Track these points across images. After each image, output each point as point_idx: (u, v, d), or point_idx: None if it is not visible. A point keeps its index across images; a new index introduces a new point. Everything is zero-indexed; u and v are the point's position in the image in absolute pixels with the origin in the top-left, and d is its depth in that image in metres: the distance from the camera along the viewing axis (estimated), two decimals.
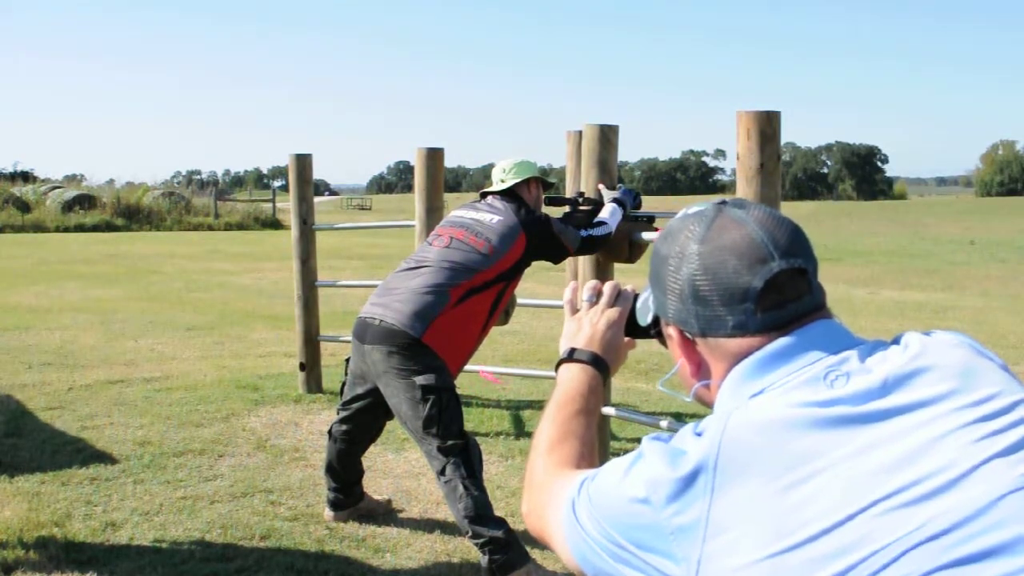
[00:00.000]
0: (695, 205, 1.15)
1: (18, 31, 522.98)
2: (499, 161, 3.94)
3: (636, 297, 1.33)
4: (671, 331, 1.15)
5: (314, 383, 6.35)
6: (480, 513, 3.30)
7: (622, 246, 4.06)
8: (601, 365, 1.30)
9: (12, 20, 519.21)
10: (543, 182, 3.95)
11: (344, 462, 3.90)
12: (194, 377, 6.77)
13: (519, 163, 3.88)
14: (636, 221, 4.12)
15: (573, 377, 1.29)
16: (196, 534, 3.74)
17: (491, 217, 3.64)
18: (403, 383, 3.39)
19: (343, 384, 3.87)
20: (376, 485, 4.38)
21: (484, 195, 3.87)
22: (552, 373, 4.80)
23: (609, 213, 3.95)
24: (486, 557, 3.28)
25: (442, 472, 3.37)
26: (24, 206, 28.83)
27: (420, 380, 3.36)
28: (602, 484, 1.05)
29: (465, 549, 3.63)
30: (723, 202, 1.12)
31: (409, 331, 3.38)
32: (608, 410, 4.26)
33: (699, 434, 1.01)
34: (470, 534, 3.32)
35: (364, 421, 3.80)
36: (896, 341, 1.07)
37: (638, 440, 4.68)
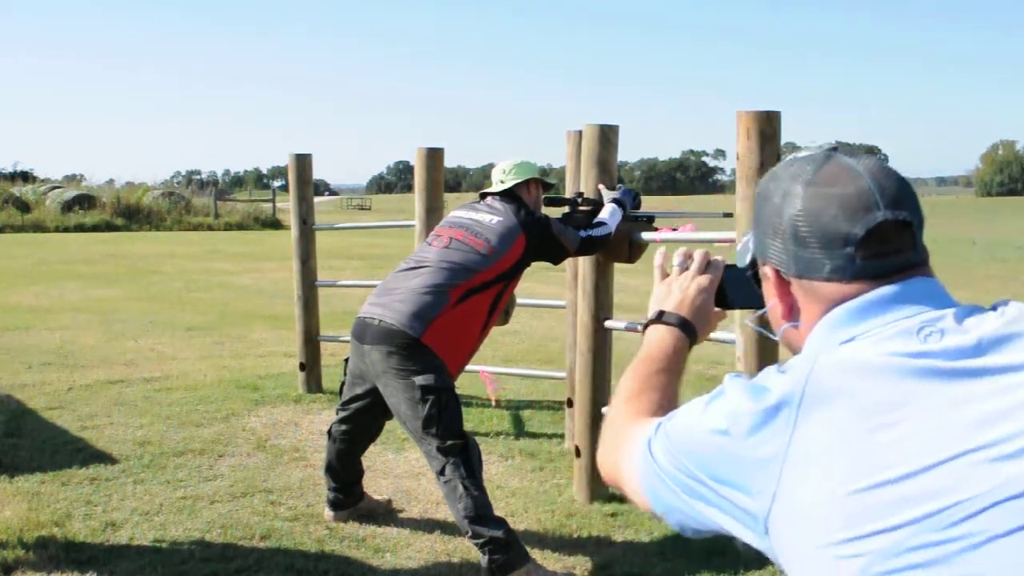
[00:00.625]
0: (803, 151, 1.15)
1: (18, 31, 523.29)
2: (499, 162, 3.94)
3: (726, 267, 1.34)
4: (767, 271, 1.14)
5: (314, 383, 6.35)
6: (480, 513, 3.29)
7: (622, 246, 4.05)
8: (689, 329, 1.31)
9: (12, 20, 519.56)
10: (543, 183, 3.95)
11: (344, 462, 3.90)
12: (194, 377, 6.77)
13: (519, 164, 3.88)
14: (636, 221, 4.12)
15: (660, 338, 1.30)
16: (196, 534, 3.74)
17: (490, 218, 3.65)
18: (402, 383, 3.39)
19: (342, 384, 3.87)
20: (376, 485, 4.38)
21: (484, 196, 3.89)
22: (552, 373, 4.83)
23: (609, 213, 3.95)
24: (486, 557, 3.28)
25: (442, 472, 3.36)
26: (24, 206, 28.82)
27: (419, 380, 3.36)
28: (681, 420, 1.05)
29: (465, 549, 3.63)
30: (834, 148, 1.12)
31: (408, 331, 3.38)
32: (608, 410, 4.25)
33: (783, 372, 1.01)
34: (470, 534, 3.31)
35: (363, 421, 3.80)
36: (994, 307, 1.06)
37: None
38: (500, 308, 3.67)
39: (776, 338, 1.17)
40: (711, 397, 1.03)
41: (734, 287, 1.32)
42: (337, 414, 3.86)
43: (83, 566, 3.39)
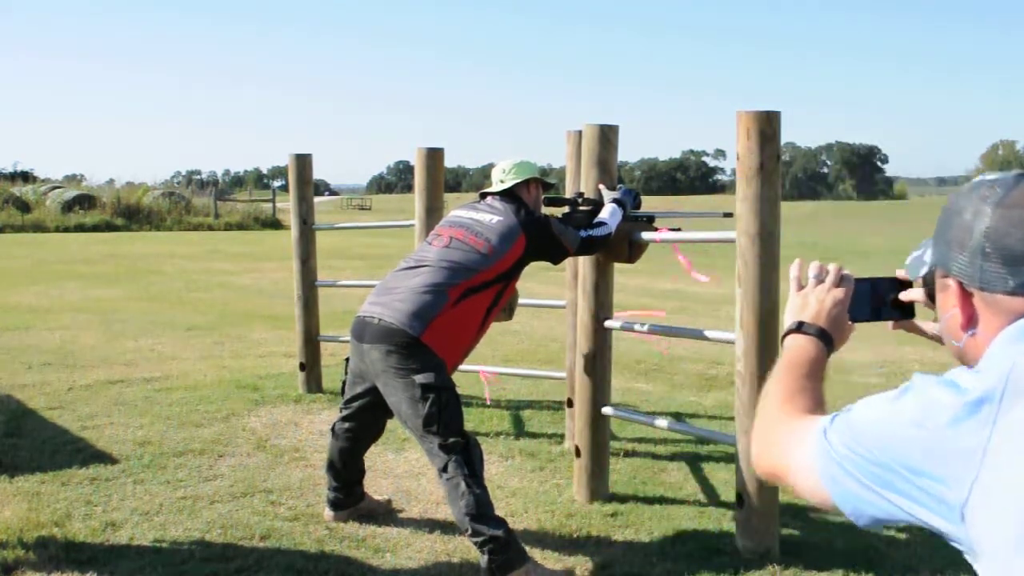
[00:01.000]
0: (991, 173, 1.21)
1: (18, 31, 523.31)
2: (499, 161, 3.95)
3: (856, 281, 1.42)
4: (950, 282, 1.20)
5: (314, 383, 6.35)
6: (481, 512, 3.29)
7: (622, 246, 4.05)
8: (827, 339, 1.38)
9: (12, 20, 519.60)
10: (543, 183, 3.96)
11: (346, 460, 3.90)
12: (194, 377, 6.77)
13: (519, 164, 3.89)
14: (636, 221, 4.12)
15: (801, 346, 1.37)
16: (196, 534, 3.74)
17: (491, 217, 3.65)
18: (402, 382, 3.40)
19: (343, 383, 3.87)
20: (376, 485, 4.38)
21: (484, 195, 3.89)
22: (552, 373, 4.81)
23: (609, 213, 3.96)
24: (485, 556, 3.28)
25: (444, 469, 3.37)
26: (24, 206, 28.82)
27: (419, 379, 3.37)
28: (866, 413, 1.11)
29: (465, 549, 3.63)
30: (1022, 175, 1.17)
31: (408, 330, 3.38)
32: (608, 410, 4.26)
33: (978, 372, 1.07)
34: (470, 532, 3.31)
35: (365, 420, 3.80)
36: None
37: (638, 440, 4.64)
38: (499, 307, 3.68)
39: (958, 345, 1.24)
40: (900, 392, 1.09)
41: (863, 301, 1.42)
42: (340, 412, 3.87)
43: (83, 566, 3.39)
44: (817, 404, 1.28)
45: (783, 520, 3.77)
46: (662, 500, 4.22)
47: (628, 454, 4.94)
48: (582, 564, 3.50)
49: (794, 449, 1.18)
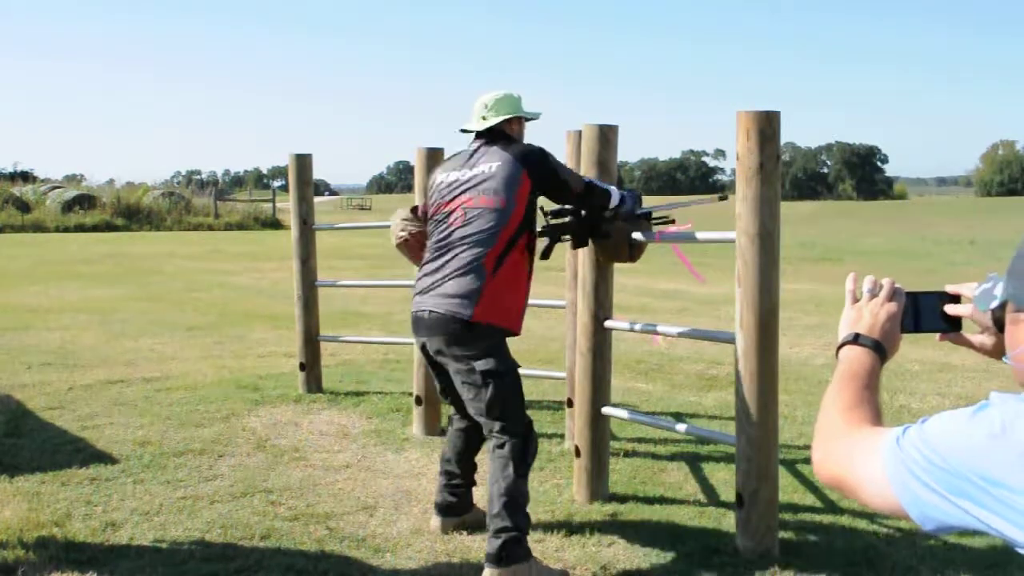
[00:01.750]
0: None
1: (18, 31, 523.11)
2: (481, 95, 3.75)
3: (907, 296, 1.48)
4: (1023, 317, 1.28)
5: (314, 383, 6.35)
6: (517, 501, 3.31)
7: (623, 246, 4.03)
8: (881, 351, 1.43)
9: (12, 20, 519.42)
10: (526, 118, 3.78)
11: (460, 457, 3.83)
12: (194, 377, 6.77)
13: (500, 99, 3.68)
14: (639, 218, 4.04)
15: (858, 358, 1.43)
16: (196, 534, 3.74)
17: (489, 167, 3.51)
18: (464, 368, 3.40)
19: (440, 388, 3.74)
20: (376, 485, 4.38)
21: (464, 131, 3.74)
22: (552, 373, 4.81)
23: (615, 190, 3.83)
24: (499, 542, 3.25)
25: (500, 447, 3.38)
26: (24, 206, 28.84)
27: (479, 365, 3.36)
28: (942, 425, 1.14)
29: (465, 549, 3.64)
30: None
31: (459, 315, 3.36)
32: (608, 410, 4.26)
33: None
34: (496, 513, 3.28)
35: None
36: None
37: (638, 440, 4.64)
38: (535, 253, 3.64)
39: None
40: (977, 408, 1.13)
41: (913, 313, 1.48)
42: (452, 413, 3.85)
43: (83, 566, 3.39)
44: (878, 415, 1.34)
45: (783, 520, 3.77)
46: (662, 500, 4.22)
47: (628, 454, 4.94)
48: (582, 564, 3.50)
49: (862, 459, 1.23)
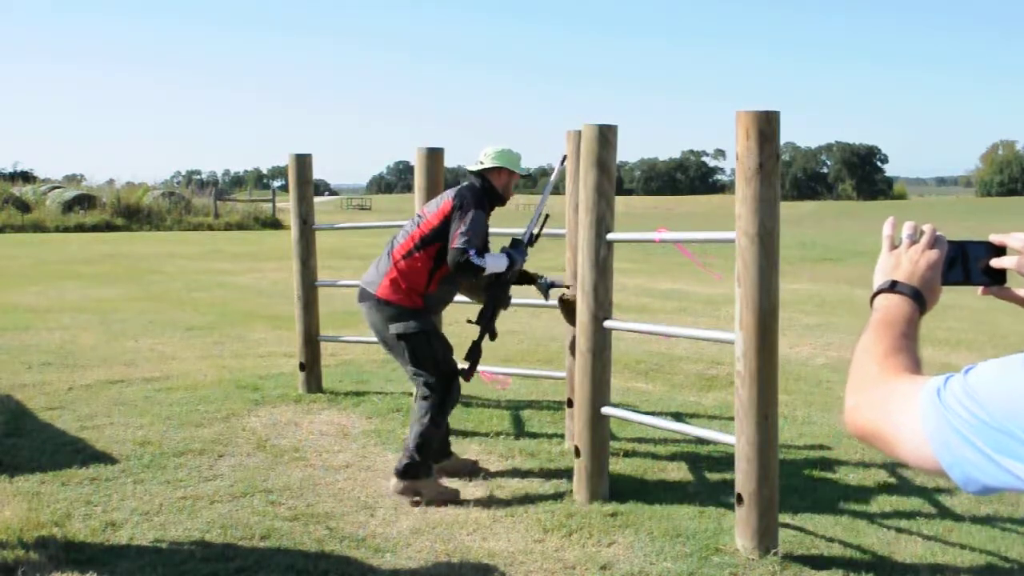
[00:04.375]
0: None
1: (18, 31, 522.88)
2: (489, 146, 4.49)
3: (949, 243, 1.39)
4: None
5: (314, 383, 6.35)
6: (427, 441, 4.20)
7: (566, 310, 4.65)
8: (920, 300, 1.34)
9: (13, 20, 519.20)
10: (516, 174, 4.45)
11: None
12: (194, 377, 6.77)
13: (500, 152, 4.43)
14: (526, 276, 4.64)
15: (896, 305, 1.33)
16: (196, 534, 3.74)
17: (447, 192, 4.40)
18: (387, 334, 4.27)
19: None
20: (376, 485, 4.38)
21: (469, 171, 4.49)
22: (552, 373, 4.82)
23: (495, 256, 4.29)
24: (401, 465, 4.14)
25: (423, 397, 4.25)
26: (24, 206, 28.81)
27: (393, 328, 4.23)
28: (987, 376, 1.05)
29: (465, 549, 3.64)
30: None
31: (372, 290, 4.29)
32: (608, 410, 4.26)
33: None
34: (409, 447, 4.17)
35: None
36: None
37: (638, 440, 4.65)
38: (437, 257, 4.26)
39: None
40: (1022, 360, 1.03)
41: (955, 264, 1.39)
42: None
43: (83, 566, 3.38)
44: (916, 364, 1.23)
45: (783, 520, 3.77)
46: (662, 500, 4.22)
47: (628, 454, 4.94)
48: (582, 564, 3.50)
49: (899, 410, 1.12)
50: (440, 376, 4.24)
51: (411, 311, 4.25)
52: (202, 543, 3.65)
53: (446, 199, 4.31)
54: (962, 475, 1.04)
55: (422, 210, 4.48)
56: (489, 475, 4.56)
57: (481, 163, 4.41)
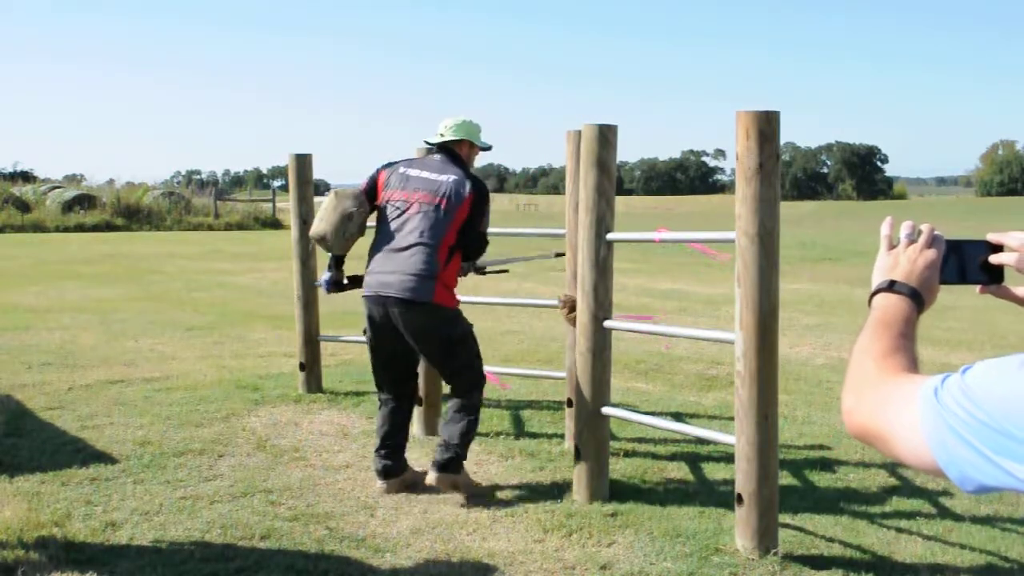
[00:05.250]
0: None
1: (18, 31, 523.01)
2: (446, 118, 4.46)
3: (947, 244, 1.39)
4: None
5: (314, 383, 6.35)
6: (472, 437, 4.29)
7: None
8: (918, 299, 1.34)
9: (13, 20, 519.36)
10: (475, 145, 4.48)
11: (396, 427, 4.43)
12: (194, 377, 6.77)
13: (461, 123, 4.42)
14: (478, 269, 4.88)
15: (894, 305, 1.34)
16: (196, 534, 3.74)
17: (448, 177, 4.24)
18: (435, 336, 4.20)
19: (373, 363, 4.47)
20: (376, 485, 4.38)
21: (428, 146, 4.56)
22: (552, 373, 4.83)
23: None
24: (444, 459, 4.13)
25: (467, 394, 4.29)
26: (24, 206, 28.80)
27: (454, 331, 4.21)
28: (985, 376, 1.05)
29: (465, 549, 3.64)
30: None
31: (424, 299, 4.09)
32: (608, 410, 4.26)
33: None
34: (452, 443, 4.16)
35: (402, 383, 4.47)
36: None
37: (638, 440, 4.66)
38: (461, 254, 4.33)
39: None
40: (1022, 360, 1.03)
41: (952, 263, 1.39)
42: (380, 387, 4.46)
43: (83, 566, 3.39)
44: (914, 363, 1.24)
45: (783, 520, 3.77)
46: (662, 500, 4.22)
47: (628, 454, 4.94)
48: (582, 564, 3.50)
49: (896, 409, 1.13)
50: (481, 373, 4.34)
51: (458, 311, 4.30)
52: (202, 543, 3.65)
53: (464, 191, 4.18)
54: (959, 474, 1.04)
55: (424, 196, 4.20)
56: (489, 475, 4.56)
57: (442, 135, 4.39)
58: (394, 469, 4.32)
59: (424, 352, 4.30)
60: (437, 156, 4.38)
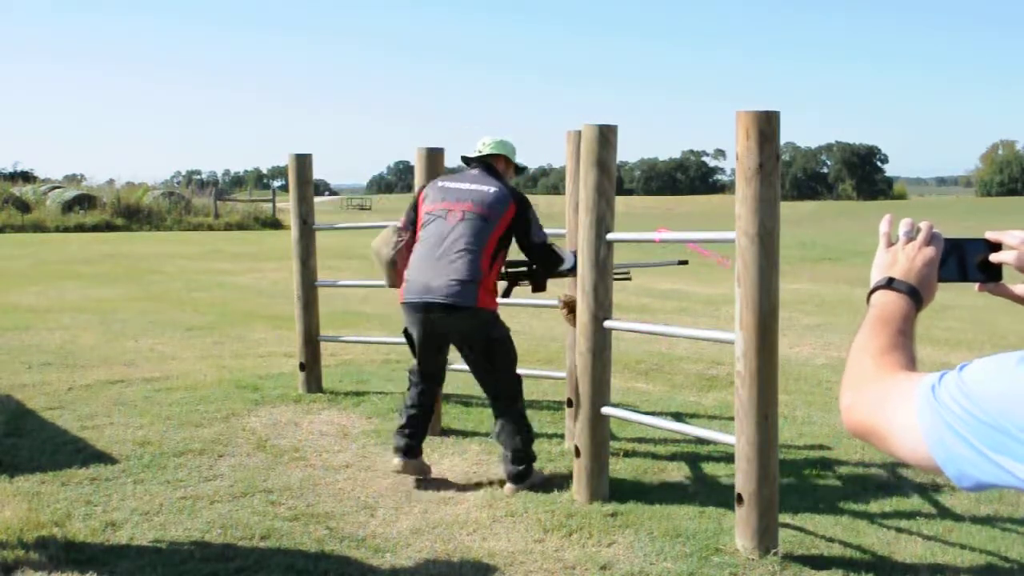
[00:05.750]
0: None
1: (18, 31, 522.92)
2: (487, 135, 4.66)
3: (945, 240, 1.39)
4: None
5: (314, 383, 6.34)
6: (530, 445, 4.42)
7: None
8: (917, 297, 1.34)
9: (12, 20, 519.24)
10: (514, 164, 4.65)
11: (425, 408, 4.55)
12: (194, 377, 6.77)
13: (499, 141, 4.61)
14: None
15: (892, 302, 1.34)
16: (196, 534, 3.74)
17: (488, 188, 4.38)
18: (479, 340, 4.32)
19: (413, 349, 4.51)
20: (376, 485, 4.38)
21: (466, 161, 4.64)
22: (552, 373, 4.83)
23: (569, 254, 4.52)
24: (515, 471, 4.29)
25: (511, 401, 4.43)
26: (24, 206, 28.81)
27: (495, 334, 4.34)
28: (982, 373, 1.05)
29: (465, 549, 3.64)
30: None
31: (469, 303, 4.19)
32: (608, 410, 4.26)
33: None
34: (518, 454, 4.31)
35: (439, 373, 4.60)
36: None
37: (638, 440, 4.66)
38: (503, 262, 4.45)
39: None
40: (1020, 357, 1.03)
41: (951, 261, 1.39)
42: (417, 369, 4.53)
43: (83, 566, 3.39)
44: (912, 361, 1.24)
45: (783, 520, 3.77)
46: (662, 500, 4.22)
47: (628, 454, 4.94)
48: (582, 564, 3.50)
49: (894, 406, 1.13)
50: (519, 378, 4.48)
51: (497, 313, 4.40)
52: (202, 543, 3.65)
53: (507, 204, 4.33)
54: (956, 471, 1.05)
55: (466, 205, 4.32)
56: (489, 475, 4.56)
57: (479, 151, 4.57)
58: (415, 450, 4.42)
59: (466, 355, 4.42)
60: (475, 170, 4.53)
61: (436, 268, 4.22)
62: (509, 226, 4.32)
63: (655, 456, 4.95)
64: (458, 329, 4.30)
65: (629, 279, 4.88)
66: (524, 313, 9.95)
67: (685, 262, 5.26)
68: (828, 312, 10.98)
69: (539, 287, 4.73)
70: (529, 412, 5.96)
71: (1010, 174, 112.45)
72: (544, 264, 4.55)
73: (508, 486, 4.32)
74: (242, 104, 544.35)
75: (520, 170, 4.76)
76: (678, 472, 4.71)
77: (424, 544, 3.70)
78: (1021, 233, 1.34)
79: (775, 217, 3.53)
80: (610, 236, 4.19)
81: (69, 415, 5.58)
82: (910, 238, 1.39)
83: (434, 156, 5.62)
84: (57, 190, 31.67)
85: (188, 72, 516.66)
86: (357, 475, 4.54)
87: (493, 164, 4.55)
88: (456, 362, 4.73)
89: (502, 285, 4.66)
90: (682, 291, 13.10)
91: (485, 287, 4.24)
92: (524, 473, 4.32)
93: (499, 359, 4.37)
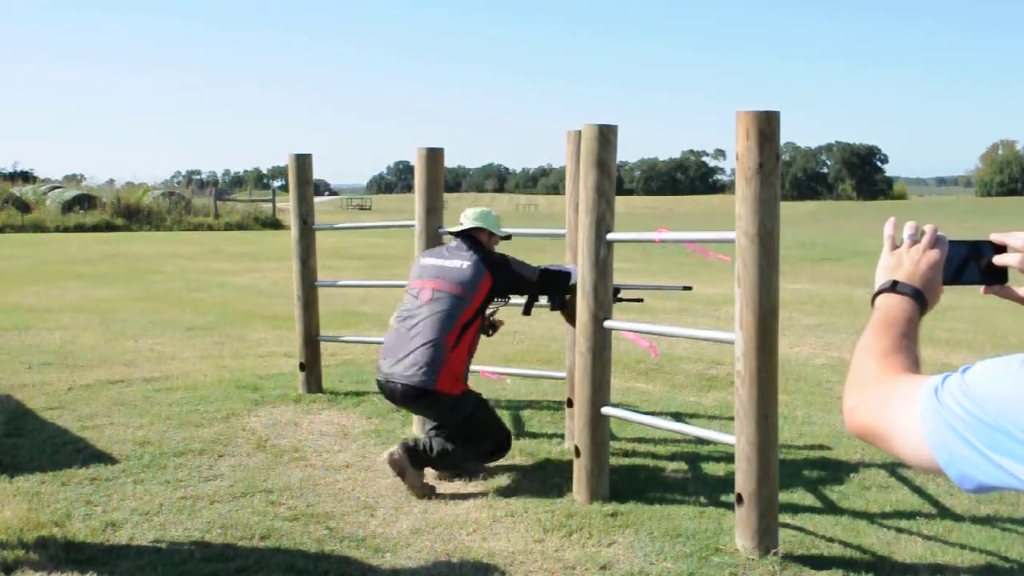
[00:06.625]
0: None
1: (18, 31, 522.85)
2: (468, 208, 4.83)
3: (950, 243, 1.39)
4: None
5: (314, 383, 6.35)
6: (451, 458, 4.36)
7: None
8: (921, 300, 1.34)
9: (13, 20, 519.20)
10: (493, 234, 4.72)
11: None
12: (194, 377, 6.77)
13: (481, 213, 4.74)
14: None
15: (896, 305, 1.34)
16: (196, 534, 3.74)
17: (460, 263, 4.48)
18: (444, 417, 4.38)
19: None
20: (376, 485, 4.38)
21: (447, 234, 4.79)
22: (552, 373, 4.83)
23: (573, 268, 4.52)
24: (419, 448, 4.25)
25: (478, 442, 4.43)
26: (24, 206, 28.79)
27: (461, 414, 4.35)
28: (985, 375, 1.05)
29: (465, 549, 3.64)
30: None
31: (426, 386, 4.25)
32: (608, 410, 4.26)
33: None
34: (440, 446, 4.30)
35: None
36: None
37: (638, 440, 4.66)
38: (477, 331, 4.51)
39: None
40: (1022, 359, 1.03)
41: (956, 263, 1.38)
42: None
43: (83, 566, 3.38)
44: (916, 363, 1.24)
45: (783, 520, 3.77)
46: (662, 500, 4.22)
47: (628, 454, 4.94)
48: (582, 564, 3.50)
49: (897, 408, 1.13)
50: (503, 436, 4.51)
51: (462, 394, 4.40)
52: (202, 543, 3.65)
53: (481, 275, 4.42)
54: (958, 473, 1.05)
55: (435, 283, 4.44)
56: (489, 475, 4.56)
57: (462, 224, 4.67)
58: (415, 452, 4.34)
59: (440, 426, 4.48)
60: (454, 242, 4.67)
61: (401, 349, 4.35)
62: (487, 295, 4.44)
63: (655, 456, 4.95)
64: (423, 412, 4.53)
65: (641, 300, 4.92)
66: None
67: (689, 287, 5.39)
68: (828, 312, 10.98)
69: (559, 305, 4.73)
70: (529, 412, 5.99)
71: (1010, 174, 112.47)
72: (555, 289, 4.63)
73: (394, 448, 4.27)
74: (242, 104, 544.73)
75: (504, 238, 4.82)
76: (678, 472, 4.71)
77: (424, 544, 3.70)
78: None
79: (775, 217, 3.53)
80: (610, 236, 4.19)
81: (69, 415, 5.58)
82: (914, 241, 1.39)
83: (434, 156, 5.62)
84: (57, 190, 31.66)
85: (188, 72, 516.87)
86: (357, 475, 4.54)
87: (476, 236, 4.65)
88: None
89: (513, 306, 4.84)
90: (682, 291, 13.08)
91: (447, 370, 4.28)
92: (416, 455, 4.23)
93: (475, 430, 4.41)
